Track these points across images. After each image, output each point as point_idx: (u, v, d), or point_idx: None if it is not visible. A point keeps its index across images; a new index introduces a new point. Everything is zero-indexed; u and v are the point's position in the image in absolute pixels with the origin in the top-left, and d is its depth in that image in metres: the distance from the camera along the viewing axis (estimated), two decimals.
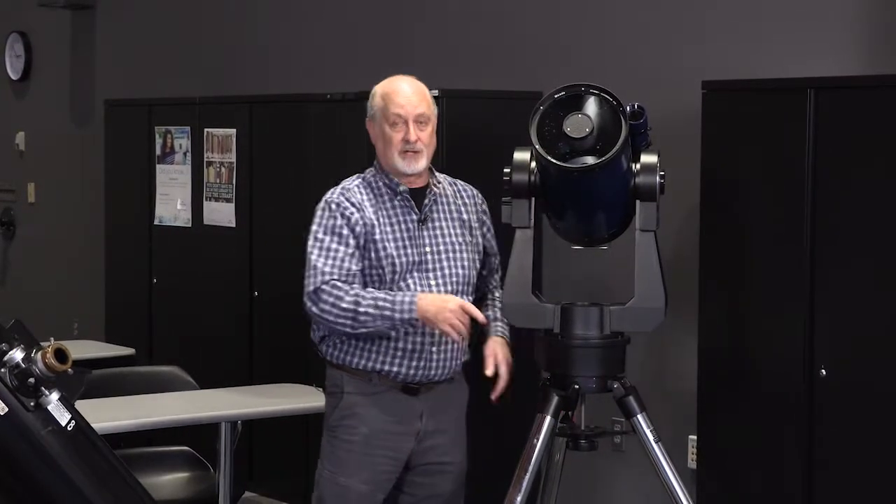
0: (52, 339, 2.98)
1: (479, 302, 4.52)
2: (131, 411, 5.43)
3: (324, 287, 4.20)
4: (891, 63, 4.87)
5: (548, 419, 4.48)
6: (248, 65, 7.47)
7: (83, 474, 2.96)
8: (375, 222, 4.28)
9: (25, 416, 2.91)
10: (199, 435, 5.69)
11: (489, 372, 4.34)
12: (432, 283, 4.30)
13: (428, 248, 4.32)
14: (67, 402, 2.97)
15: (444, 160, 5.77)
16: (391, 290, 4.26)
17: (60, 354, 2.91)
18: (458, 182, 4.54)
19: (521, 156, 4.50)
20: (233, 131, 6.91)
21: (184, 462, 5.73)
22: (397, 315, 4.17)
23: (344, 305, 4.18)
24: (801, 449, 4.68)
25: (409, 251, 4.29)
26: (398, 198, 4.33)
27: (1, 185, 9.38)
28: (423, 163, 4.33)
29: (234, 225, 6.88)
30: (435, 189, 4.39)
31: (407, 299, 4.18)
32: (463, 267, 4.38)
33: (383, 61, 6.66)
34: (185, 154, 7.17)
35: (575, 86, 4.39)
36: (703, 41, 5.47)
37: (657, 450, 4.51)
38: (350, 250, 4.25)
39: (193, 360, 6.43)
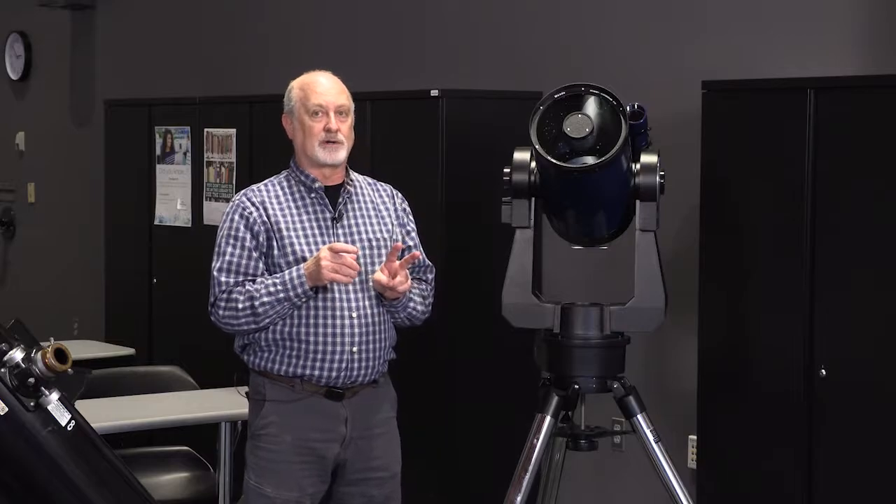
0: (52, 339, 2.99)
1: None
2: (131, 411, 5.43)
3: (221, 296, 4.19)
4: (891, 63, 4.87)
5: (548, 419, 4.48)
6: (248, 65, 7.47)
7: (83, 474, 2.96)
8: (282, 219, 4.21)
9: (25, 416, 2.91)
10: (199, 435, 5.69)
11: (384, 279, 4.15)
12: (354, 279, 4.18)
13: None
14: (67, 402, 2.98)
15: (444, 160, 5.78)
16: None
17: (60, 354, 2.92)
18: (378, 183, 4.43)
19: (521, 156, 4.50)
20: (233, 131, 6.91)
21: (184, 462, 5.72)
22: (291, 293, 4.11)
23: (240, 307, 4.15)
24: (801, 449, 4.68)
25: (320, 247, 4.18)
26: (312, 195, 4.26)
27: (1, 185, 9.38)
28: (342, 154, 4.24)
29: None
30: (349, 187, 4.30)
31: (295, 274, 4.12)
32: (381, 264, 4.24)
33: (383, 61, 6.67)
34: (185, 154, 7.17)
35: (575, 86, 4.39)
36: (703, 41, 5.47)
37: (657, 450, 4.51)
38: (246, 252, 4.20)
39: (193, 360, 6.43)
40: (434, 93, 5.80)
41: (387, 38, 6.74)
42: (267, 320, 4.16)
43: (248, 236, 4.21)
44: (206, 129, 7.04)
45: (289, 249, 4.20)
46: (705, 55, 5.41)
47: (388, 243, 4.29)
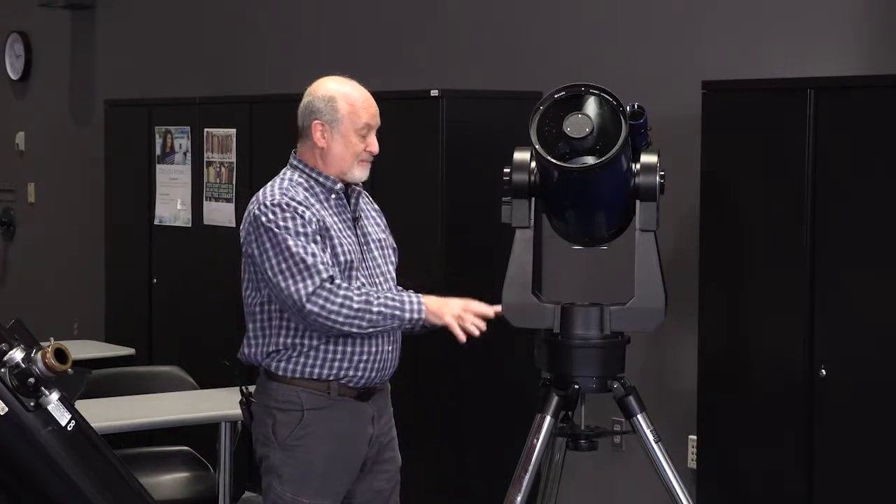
0: (52, 339, 2.98)
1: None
2: (131, 411, 5.43)
3: (326, 286, 4.03)
4: (891, 63, 4.87)
5: (548, 419, 4.48)
6: (248, 65, 7.48)
7: (83, 474, 2.96)
8: (323, 220, 4.15)
9: (25, 416, 2.91)
10: (199, 435, 5.69)
11: (463, 338, 4.18)
12: (377, 280, 4.20)
13: (365, 247, 4.22)
14: (67, 402, 2.97)
15: (444, 160, 5.78)
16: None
17: (60, 354, 2.92)
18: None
19: (521, 156, 4.50)
20: (233, 131, 6.91)
21: (184, 462, 5.72)
22: (407, 315, 4.07)
23: (356, 306, 4.03)
24: (801, 449, 4.68)
25: (353, 247, 4.18)
26: (333, 196, 4.22)
27: (1, 185, 9.38)
28: (368, 170, 4.30)
29: (234, 225, 6.87)
30: (357, 188, 4.29)
31: (415, 298, 4.10)
32: (392, 263, 4.29)
33: (383, 61, 6.67)
34: (185, 154, 7.18)
35: (575, 86, 4.38)
36: (703, 41, 5.47)
37: (657, 450, 4.51)
38: (321, 247, 4.10)
39: (193, 360, 6.43)
40: (434, 93, 5.80)
41: (387, 38, 6.74)
42: (370, 330, 4.09)
43: (317, 234, 4.12)
44: (206, 129, 7.04)
45: (338, 250, 4.14)
46: (705, 55, 5.41)
47: (390, 243, 4.34)
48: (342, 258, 4.13)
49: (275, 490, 4.21)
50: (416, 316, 4.10)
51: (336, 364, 4.16)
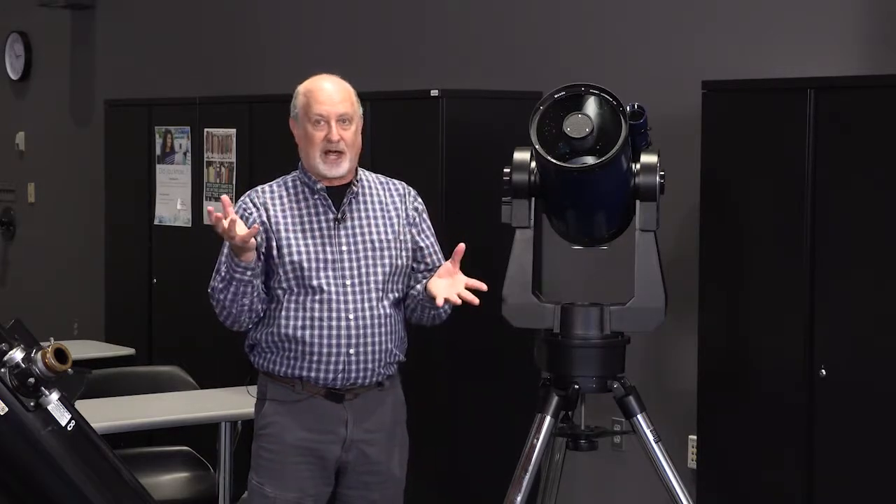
0: (52, 339, 2.98)
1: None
2: (131, 411, 5.44)
3: (210, 291, 4.25)
4: (891, 63, 4.87)
5: (548, 419, 4.49)
6: (248, 65, 7.48)
7: (83, 474, 2.96)
8: (282, 221, 4.21)
9: (25, 416, 2.91)
10: (199, 435, 5.69)
11: (440, 302, 4.13)
12: (347, 282, 4.18)
13: (344, 247, 4.21)
14: (67, 402, 2.97)
15: (444, 160, 5.78)
16: (303, 289, 4.18)
17: (60, 354, 2.92)
18: (392, 181, 4.39)
19: (521, 156, 4.51)
20: (233, 131, 6.91)
21: (184, 462, 5.73)
22: (229, 269, 4.12)
23: (216, 295, 4.20)
24: (801, 449, 4.68)
25: (321, 249, 4.19)
26: (315, 196, 4.25)
27: (1, 185, 9.38)
28: (345, 165, 4.21)
29: None
30: (355, 187, 4.27)
31: (224, 249, 4.16)
32: (383, 265, 4.22)
33: (383, 61, 6.67)
34: (185, 154, 7.18)
35: (575, 86, 4.39)
36: (703, 41, 5.47)
37: (657, 450, 4.51)
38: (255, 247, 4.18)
39: (193, 360, 6.43)
40: (434, 93, 5.80)
41: (387, 38, 6.74)
42: (234, 308, 4.18)
43: (255, 237, 4.16)
44: (206, 129, 7.04)
45: (285, 251, 4.19)
46: (705, 55, 5.41)
47: (394, 244, 4.27)
48: (287, 259, 4.20)
49: (248, 476, 4.32)
50: (231, 263, 4.10)
51: (292, 363, 4.22)
